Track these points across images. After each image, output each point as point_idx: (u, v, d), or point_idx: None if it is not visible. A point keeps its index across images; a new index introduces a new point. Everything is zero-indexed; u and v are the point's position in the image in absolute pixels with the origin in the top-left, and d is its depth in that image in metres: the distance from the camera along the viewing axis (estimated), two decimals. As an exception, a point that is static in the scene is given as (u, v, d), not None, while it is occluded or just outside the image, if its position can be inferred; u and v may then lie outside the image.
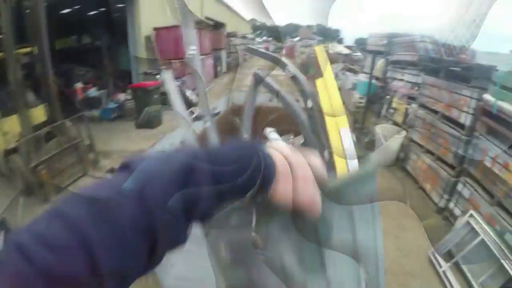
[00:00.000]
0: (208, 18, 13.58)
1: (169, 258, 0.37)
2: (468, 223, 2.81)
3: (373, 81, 6.83)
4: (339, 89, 1.43)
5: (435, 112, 4.07)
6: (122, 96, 7.06)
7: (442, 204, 3.57)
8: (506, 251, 2.33)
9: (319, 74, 1.37)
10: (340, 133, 1.20)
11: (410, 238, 3.30)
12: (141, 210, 0.32)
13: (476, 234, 2.66)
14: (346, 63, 9.61)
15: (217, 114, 2.43)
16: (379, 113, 6.38)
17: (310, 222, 0.43)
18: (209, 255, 0.55)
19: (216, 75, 13.25)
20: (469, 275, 2.60)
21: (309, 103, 1.29)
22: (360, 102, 7.22)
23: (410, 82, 5.19)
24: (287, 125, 1.86)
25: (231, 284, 0.54)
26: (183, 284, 1.54)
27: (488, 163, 2.90)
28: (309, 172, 0.42)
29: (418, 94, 4.71)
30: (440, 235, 3.14)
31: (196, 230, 0.41)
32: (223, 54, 14.64)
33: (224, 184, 0.37)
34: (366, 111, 6.45)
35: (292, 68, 1.39)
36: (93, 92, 7.00)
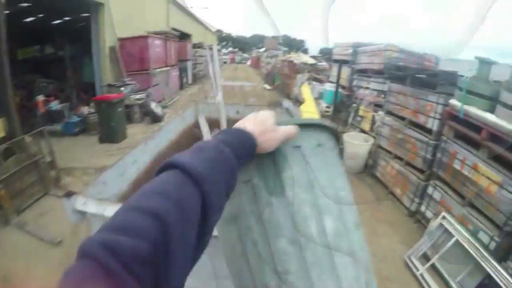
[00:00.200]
0: (174, 29, 13.34)
1: None
2: (441, 225, 2.85)
3: (340, 90, 7.01)
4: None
5: (402, 118, 4.17)
6: (85, 109, 6.66)
7: (413, 207, 3.63)
8: (481, 249, 2.37)
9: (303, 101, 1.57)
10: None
11: (384, 243, 3.30)
12: (201, 196, 0.41)
13: (450, 235, 2.70)
14: (312, 73, 9.81)
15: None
16: (346, 121, 6.52)
17: (271, 154, 0.59)
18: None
19: (181, 86, 12.98)
20: (446, 275, 2.61)
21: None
22: (327, 111, 7.38)
23: (376, 90, 5.33)
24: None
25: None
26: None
27: (457, 166, 2.98)
28: (269, 121, 0.58)
29: (384, 101, 4.83)
30: (414, 238, 3.17)
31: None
32: (189, 65, 14.41)
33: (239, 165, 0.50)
34: (333, 120, 6.56)
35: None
36: (55, 105, 6.52)
